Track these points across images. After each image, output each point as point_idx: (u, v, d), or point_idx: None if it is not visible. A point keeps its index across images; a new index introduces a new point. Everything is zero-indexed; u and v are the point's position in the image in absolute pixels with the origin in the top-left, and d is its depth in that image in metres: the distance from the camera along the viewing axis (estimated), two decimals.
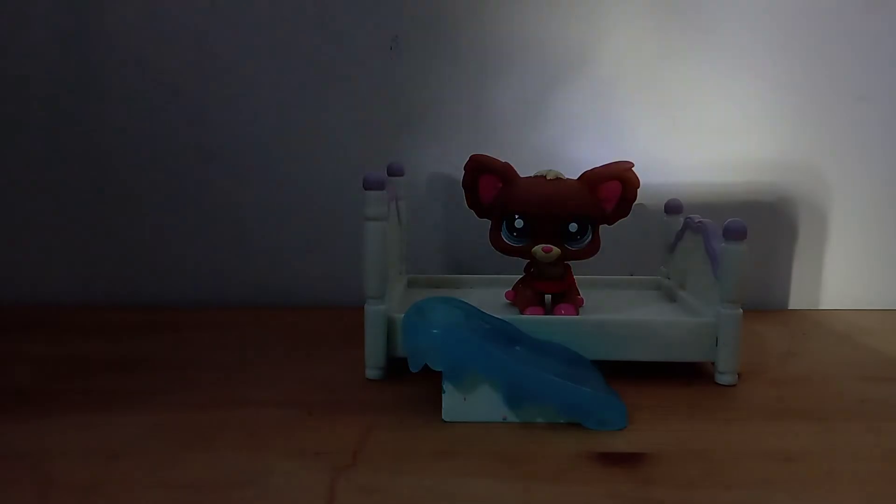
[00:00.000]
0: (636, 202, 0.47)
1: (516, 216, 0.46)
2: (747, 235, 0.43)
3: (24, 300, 0.64)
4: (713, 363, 0.45)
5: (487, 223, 0.48)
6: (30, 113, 0.62)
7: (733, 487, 0.32)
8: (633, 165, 0.46)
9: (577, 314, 0.48)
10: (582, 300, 0.50)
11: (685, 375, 0.46)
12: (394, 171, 0.54)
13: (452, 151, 0.56)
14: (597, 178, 0.46)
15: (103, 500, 0.31)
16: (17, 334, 0.54)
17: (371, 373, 0.45)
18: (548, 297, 0.49)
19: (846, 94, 0.62)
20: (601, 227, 0.47)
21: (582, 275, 0.51)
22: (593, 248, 0.47)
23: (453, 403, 0.39)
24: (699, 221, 0.49)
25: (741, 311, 0.44)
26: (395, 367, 0.46)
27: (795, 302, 0.63)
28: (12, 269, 0.64)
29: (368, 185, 0.43)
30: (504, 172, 0.47)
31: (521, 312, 0.47)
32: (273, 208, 0.63)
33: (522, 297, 0.48)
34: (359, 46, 0.62)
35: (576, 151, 0.61)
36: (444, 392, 0.39)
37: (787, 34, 0.61)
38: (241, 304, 0.63)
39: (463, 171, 0.47)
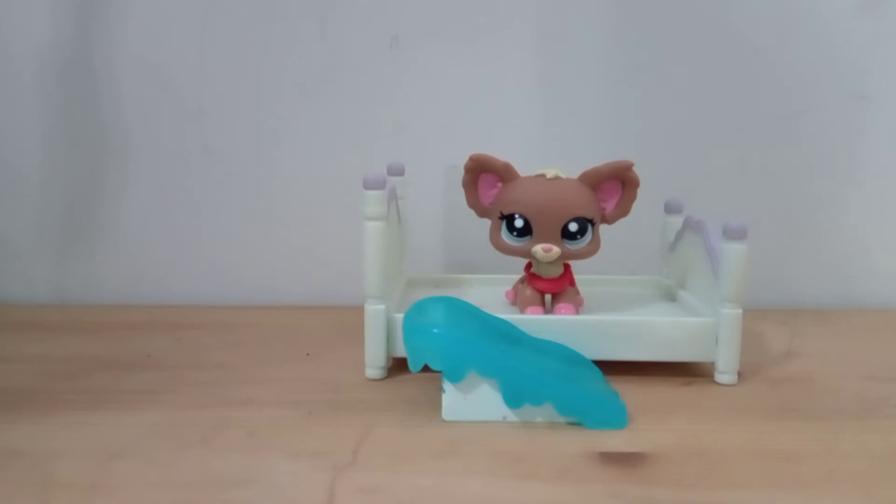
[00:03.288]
0: (636, 201, 0.47)
1: (516, 216, 0.46)
2: (747, 234, 0.43)
3: (23, 299, 0.64)
4: (713, 363, 0.45)
5: (487, 223, 0.48)
6: (28, 111, 0.62)
7: (733, 487, 0.32)
8: (633, 165, 0.46)
9: (577, 314, 0.48)
10: (582, 300, 0.50)
11: (685, 375, 0.46)
12: (394, 171, 0.54)
13: (452, 151, 0.56)
14: (597, 178, 0.46)
15: (103, 500, 0.31)
16: (17, 334, 0.54)
17: (371, 372, 0.45)
18: (548, 296, 0.49)
19: (847, 93, 0.62)
20: (601, 226, 0.47)
21: (582, 275, 0.51)
22: (593, 247, 0.47)
23: (453, 403, 0.39)
24: (699, 220, 0.49)
25: (741, 310, 0.44)
26: (396, 367, 0.46)
27: (796, 302, 0.63)
28: (11, 269, 0.64)
29: (368, 185, 0.43)
30: (504, 172, 0.47)
31: (521, 312, 0.47)
32: (273, 207, 0.63)
33: (522, 296, 0.48)
34: (359, 46, 0.62)
35: (576, 151, 0.61)
36: (444, 392, 0.39)
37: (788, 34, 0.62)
38: (241, 304, 0.63)
39: (463, 171, 0.47)
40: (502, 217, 0.47)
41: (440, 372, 0.38)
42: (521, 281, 0.50)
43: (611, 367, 0.43)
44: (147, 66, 0.62)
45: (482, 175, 0.47)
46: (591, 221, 0.46)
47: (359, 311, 0.45)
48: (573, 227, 0.46)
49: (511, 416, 0.39)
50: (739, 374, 0.45)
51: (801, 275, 0.64)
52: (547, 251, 0.46)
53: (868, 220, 0.64)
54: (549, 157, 0.54)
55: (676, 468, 0.34)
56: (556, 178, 0.46)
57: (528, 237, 0.46)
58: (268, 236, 0.64)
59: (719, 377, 0.45)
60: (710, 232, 0.47)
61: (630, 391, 0.42)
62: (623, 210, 0.47)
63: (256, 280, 0.64)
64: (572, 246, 0.46)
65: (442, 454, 0.35)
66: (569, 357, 0.43)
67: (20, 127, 0.62)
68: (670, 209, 0.55)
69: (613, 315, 0.48)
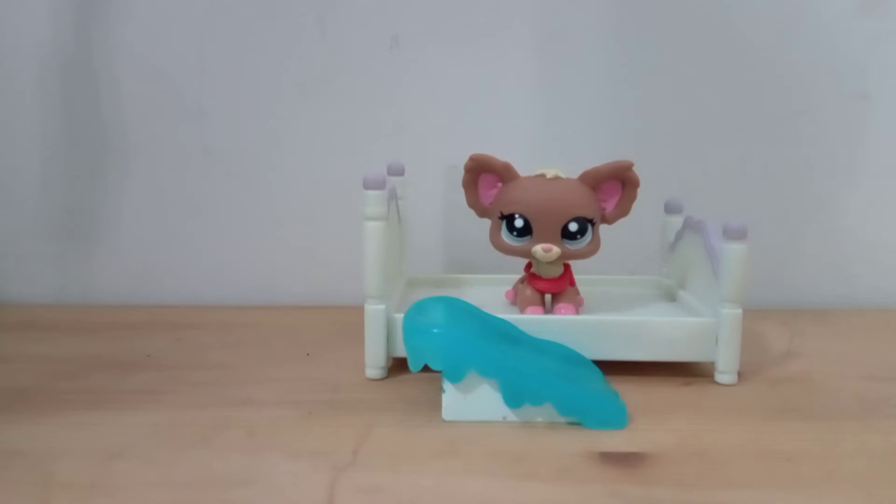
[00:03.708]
0: (636, 201, 0.47)
1: (516, 216, 0.46)
2: (747, 234, 0.43)
3: (23, 299, 0.64)
4: (713, 363, 0.45)
5: (487, 223, 0.48)
6: (28, 111, 0.62)
7: (733, 487, 0.32)
8: (633, 165, 0.46)
9: (577, 314, 0.48)
10: (582, 300, 0.50)
11: (685, 375, 0.46)
12: (394, 171, 0.54)
13: (452, 151, 0.56)
14: (597, 178, 0.46)
15: (103, 500, 0.31)
16: (17, 334, 0.54)
17: (371, 372, 0.45)
18: (548, 296, 0.49)
19: (847, 93, 0.62)
20: (601, 226, 0.47)
21: (582, 275, 0.51)
22: (593, 247, 0.47)
23: (453, 403, 0.39)
24: (699, 220, 0.49)
25: (741, 310, 0.44)
26: (396, 367, 0.46)
27: (796, 302, 0.63)
28: (11, 269, 0.64)
29: (368, 185, 0.43)
30: (504, 171, 0.47)
31: (521, 312, 0.47)
32: (273, 207, 0.63)
33: (522, 296, 0.48)
34: (359, 46, 0.62)
35: (576, 151, 0.61)
36: (444, 391, 0.39)
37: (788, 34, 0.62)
38: (241, 304, 0.63)
39: (463, 171, 0.47)
40: (502, 217, 0.47)
41: (440, 372, 0.38)
42: (521, 281, 0.50)
43: (611, 367, 0.43)
44: (147, 66, 0.62)
45: (482, 175, 0.47)
46: (591, 221, 0.46)
47: (359, 311, 0.44)
48: (573, 227, 0.46)
49: (511, 416, 0.39)
50: (739, 374, 0.45)
51: (801, 275, 0.64)
52: (547, 251, 0.46)
53: (868, 220, 0.64)
54: (549, 157, 0.54)
55: (676, 468, 0.34)
56: (556, 178, 0.46)
57: (528, 237, 0.46)
58: (268, 236, 0.64)
59: (719, 377, 0.45)
60: (710, 232, 0.47)
61: (630, 391, 0.42)
62: (623, 210, 0.47)
63: (256, 280, 0.64)
64: (572, 246, 0.46)
65: (442, 454, 0.35)
66: (569, 357, 0.43)
67: (20, 127, 0.62)
68: (670, 209, 0.55)
69: (613, 315, 0.48)
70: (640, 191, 0.47)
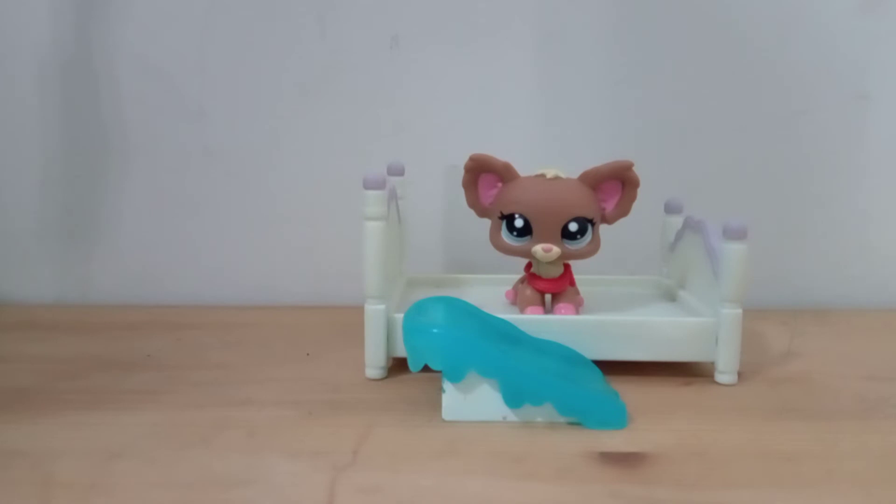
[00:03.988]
0: (636, 201, 0.47)
1: (516, 216, 0.46)
2: (747, 234, 0.43)
3: (23, 299, 0.64)
4: (713, 363, 0.45)
5: (487, 223, 0.48)
6: (28, 111, 0.62)
7: (733, 487, 0.32)
8: (633, 165, 0.46)
9: (577, 314, 0.47)
10: (582, 300, 0.50)
11: (685, 375, 0.46)
12: (394, 171, 0.54)
13: (452, 151, 0.56)
14: (597, 178, 0.46)
15: (103, 500, 0.31)
16: (17, 334, 0.54)
17: (371, 372, 0.45)
18: (548, 296, 0.49)
19: (847, 93, 0.62)
20: (601, 226, 0.47)
21: (582, 275, 0.51)
22: (593, 247, 0.47)
23: (453, 403, 0.39)
24: (699, 220, 0.49)
25: (741, 310, 0.44)
26: (396, 367, 0.46)
27: (796, 302, 0.63)
28: (11, 269, 0.64)
29: (368, 185, 0.43)
30: (504, 171, 0.47)
31: (521, 312, 0.47)
32: (273, 207, 0.63)
33: (522, 296, 0.48)
34: (359, 46, 0.62)
35: (576, 151, 0.61)
36: (444, 391, 0.39)
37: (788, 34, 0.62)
38: (241, 304, 0.63)
39: (463, 171, 0.47)
40: (502, 217, 0.47)
41: (440, 372, 0.38)
42: (521, 281, 0.50)
43: (611, 367, 0.43)
44: (147, 66, 0.62)
45: (482, 175, 0.47)
46: (591, 221, 0.46)
47: (359, 311, 0.45)
48: (573, 227, 0.46)
49: (511, 416, 0.39)
50: (739, 374, 0.45)
51: (801, 275, 0.64)
52: (547, 251, 0.46)
53: (868, 220, 0.64)
54: (549, 157, 0.55)
55: (676, 468, 0.34)
56: (556, 178, 0.46)
57: (528, 237, 0.46)
58: (268, 236, 0.64)
59: (719, 377, 0.45)
60: (710, 232, 0.47)
61: (630, 391, 0.42)
62: (623, 210, 0.47)
63: (256, 280, 0.64)
64: (572, 246, 0.46)
65: (442, 454, 0.35)
66: (569, 357, 0.43)
67: (20, 127, 0.62)
68: (670, 209, 0.55)
69: (613, 315, 0.48)
70: (640, 191, 0.47)
